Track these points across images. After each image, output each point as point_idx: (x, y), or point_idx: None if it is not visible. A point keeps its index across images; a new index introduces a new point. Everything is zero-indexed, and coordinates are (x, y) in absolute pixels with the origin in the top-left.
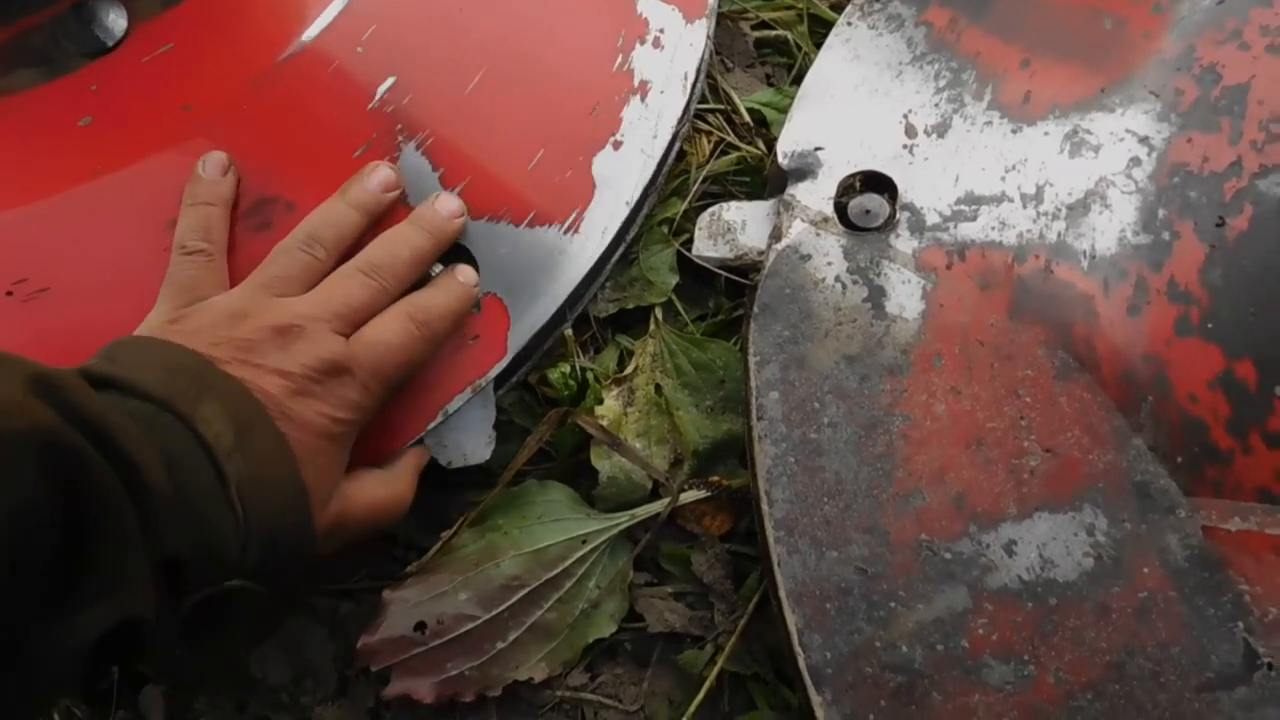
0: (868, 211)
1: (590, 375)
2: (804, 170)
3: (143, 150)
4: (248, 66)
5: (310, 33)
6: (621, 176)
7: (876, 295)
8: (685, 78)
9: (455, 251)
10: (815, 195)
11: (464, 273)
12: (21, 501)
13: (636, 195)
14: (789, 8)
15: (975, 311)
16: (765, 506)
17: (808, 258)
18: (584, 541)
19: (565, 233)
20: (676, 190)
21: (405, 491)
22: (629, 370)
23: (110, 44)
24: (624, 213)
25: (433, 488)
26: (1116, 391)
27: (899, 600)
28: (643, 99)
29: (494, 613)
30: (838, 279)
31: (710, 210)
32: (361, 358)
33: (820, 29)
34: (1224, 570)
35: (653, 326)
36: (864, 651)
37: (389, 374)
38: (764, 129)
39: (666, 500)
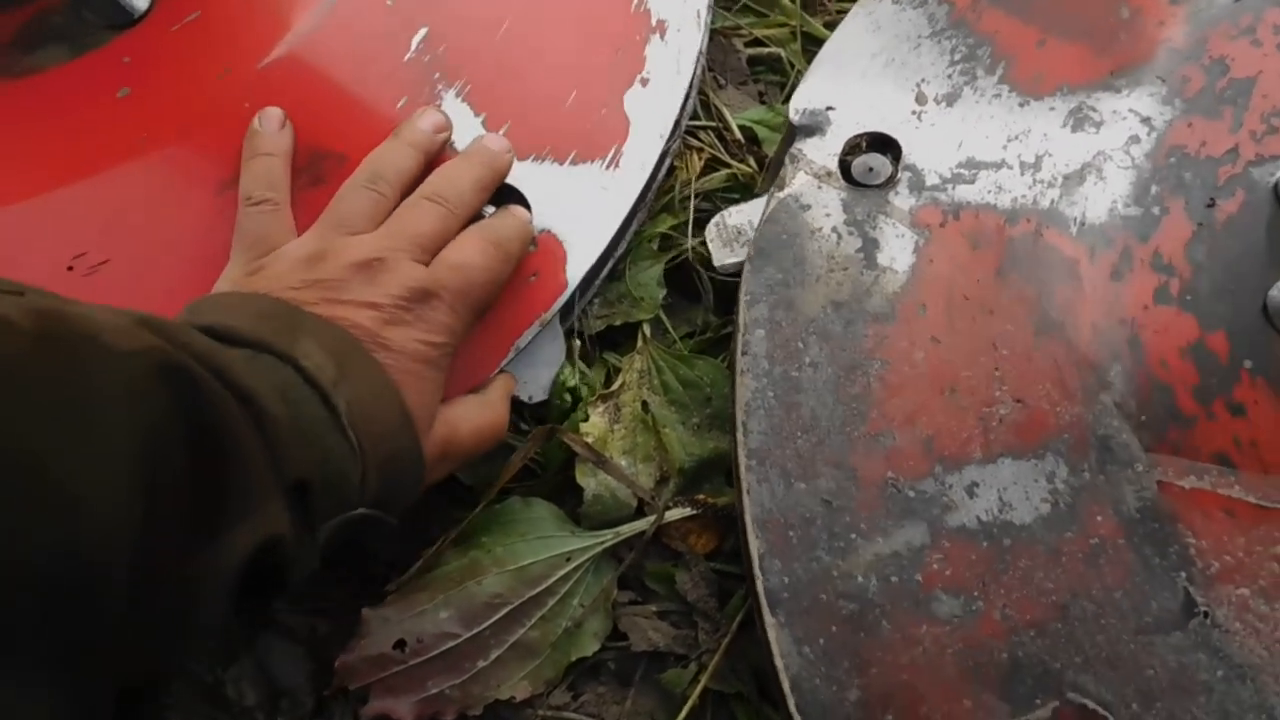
0: (870, 169)
1: (581, 390)
2: (813, 127)
3: (188, 117)
4: (279, 28)
5: None
6: (653, 112)
7: (870, 247)
8: (699, 15)
9: (505, 194)
10: (821, 151)
11: (519, 209)
12: (151, 422)
13: (669, 129)
14: (782, 25)
15: (964, 268)
16: (740, 436)
17: (807, 207)
18: (568, 559)
19: (607, 168)
20: (666, 207)
21: (503, 415)
22: (615, 387)
23: (136, 15)
24: (659, 146)
25: (414, 506)
26: (1091, 351)
27: (860, 533)
28: (662, 37)
29: (475, 631)
30: (834, 229)
31: (714, 221)
32: (445, 280)
33: (813, 46)
34: (1173, 524)
35: (640, 343)
36: (821, 579)
37: (474, 294)
38: (755, 146)
39: (651, 518)
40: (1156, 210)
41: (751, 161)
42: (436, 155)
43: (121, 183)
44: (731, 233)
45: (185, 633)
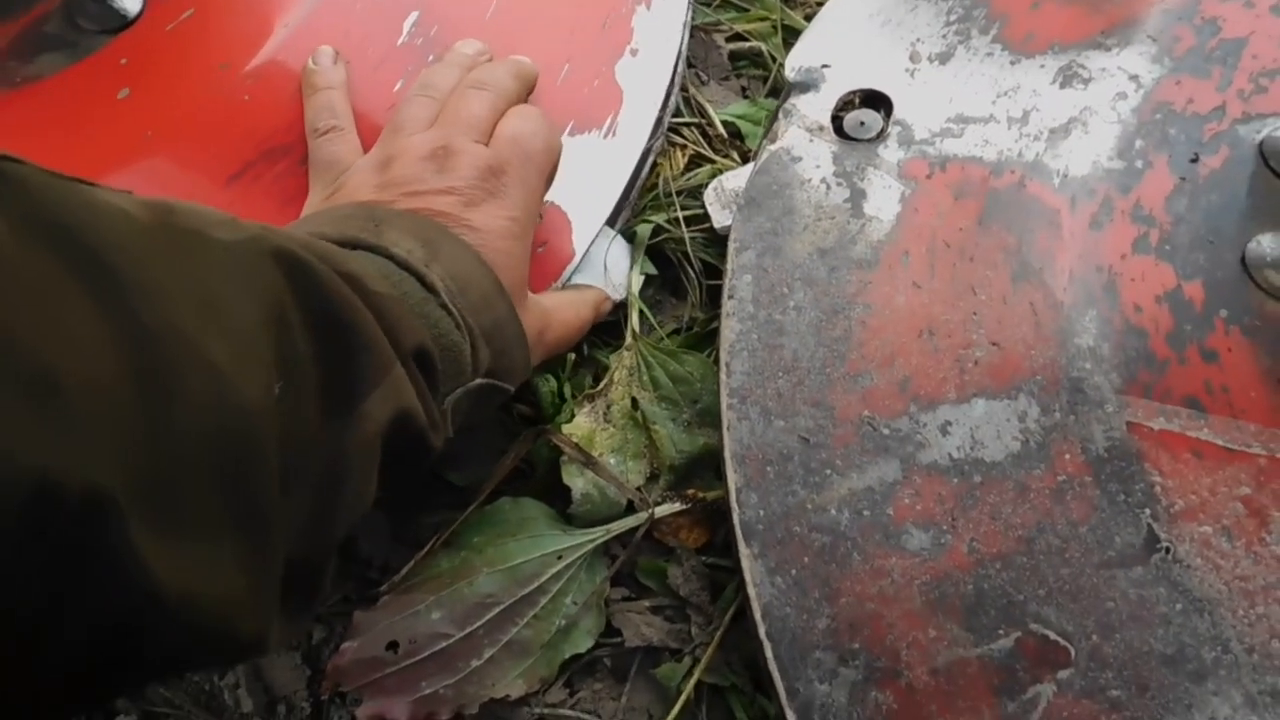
0: (862, 124)
1: (568, 390)
2: (808, 84)
3: (191, 112)
4: (274, 18)
5: None
6: (644, 80)
7: (857, 197)
8: None
9: None
10: (815, 106)
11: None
12: (271, 300)
13: (661, 96)
14: (763, 19)
15: (947, 217)
16: (724, 376)
17: (798, 159)
18: (559, 558)
19: (604, 137)
20: (650, 204)
21: (589, 318)
22: (603, 385)
23: (130, 18)
24: (654, 113)
25: (402, 505)
26: (1067, 296)
27: (835, 469)
28: (648, 7)
29: (468, 630)
30: (823, 180)
31: (712, 184)
32: (508, 154)
33: (794, 39)
34: (1140, 462)
35: (629, 339)
36: (795, 512)
37: (538, 161)
38: (739, 141)
39: (642, 515)
40: (1140, 164)
41: (735, 156)
42: None
43: (130, 182)
44: (729, 195)
45: (338, 508)
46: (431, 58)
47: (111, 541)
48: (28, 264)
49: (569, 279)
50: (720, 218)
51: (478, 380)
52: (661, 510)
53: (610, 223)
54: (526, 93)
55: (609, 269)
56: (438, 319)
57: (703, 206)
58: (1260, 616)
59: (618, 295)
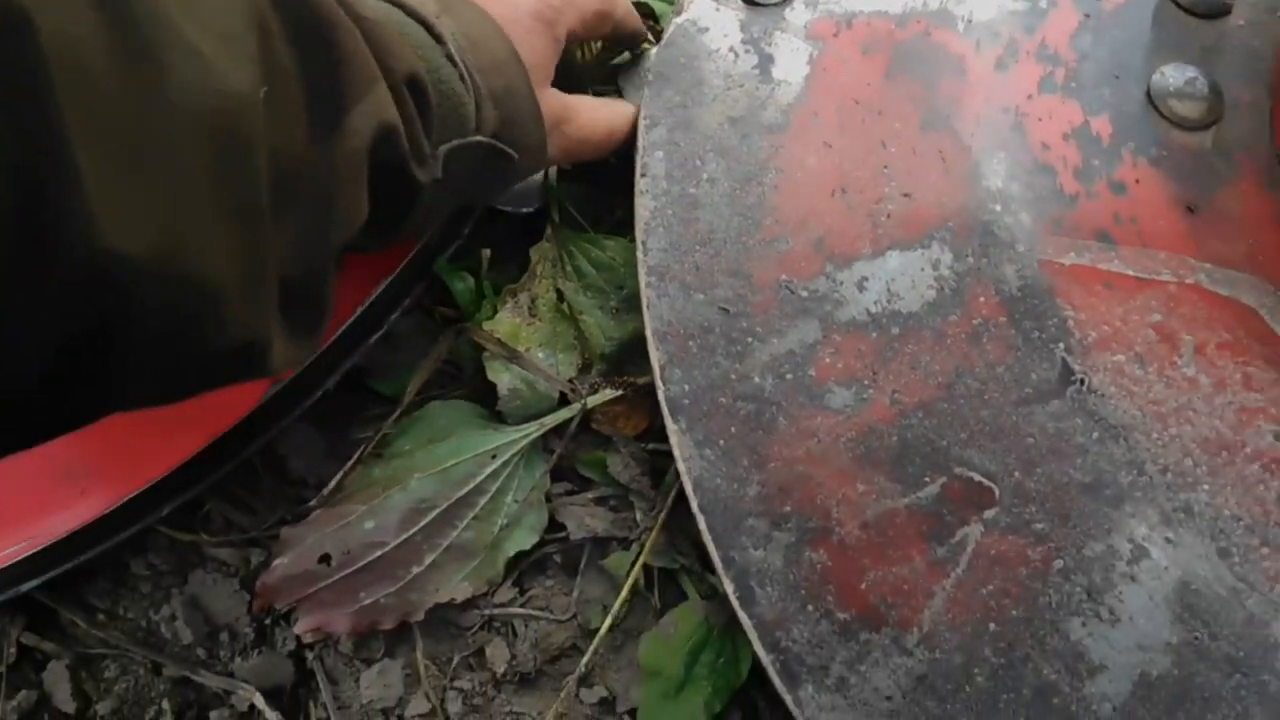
0: None
1: (487, 287)
2: None
3: None
4: None
5: None
6: None
7: (765, 62)
8: None
9: None
10: None
11: None
12: (253, 7)
13: None
14: None
15: (855, 73)
16: (641, 255)
17: (705, 30)
18: (494, 456)
19: None
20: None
21: (624, 122)
22: (525, 278)
23: None
24: None
25: (334, 419)
26: (975, 140)
27: (756, 336)
28: None
29: (405, 537)
30: (731, 49)
31: (639, 54)
32: None
33: None
34: (1053, 298)
35: (549, 231)
36: (720, 383)
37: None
38: (654, 22)
39: (576, 406)
40: (1044, 3)
41: (650, 38)
42: None
43: None
44: (641, 73)
45: (330, 224)
46: None
47: (65, 200)
48: None
49: None
50: (632, 96)
51: (479, 138)
52: (595, 399)
53: None
54: None
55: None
56: (438, 65)
57: (620, 91)
58: (1173, 437)
59: (537, 202)
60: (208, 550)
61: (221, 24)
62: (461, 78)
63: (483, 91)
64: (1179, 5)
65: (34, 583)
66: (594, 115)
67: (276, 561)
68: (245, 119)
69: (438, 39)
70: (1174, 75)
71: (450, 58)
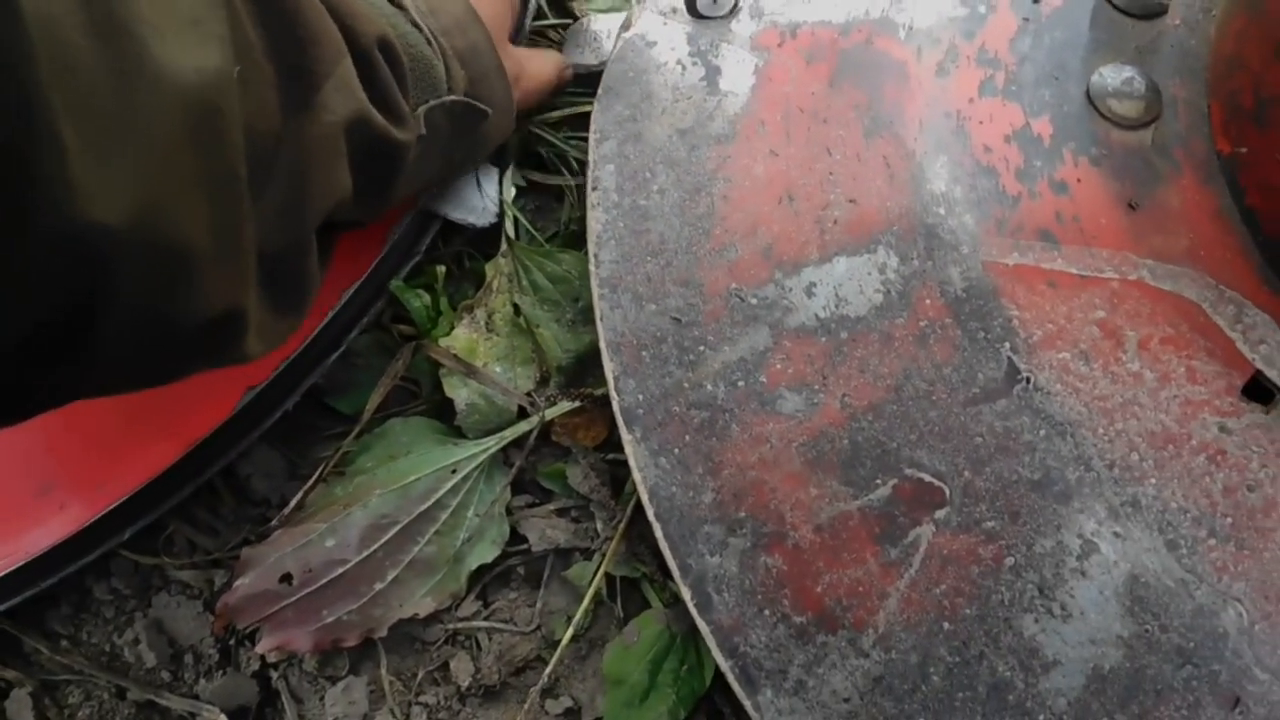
0: (715, 2)
1: (443, 303)
2: None
3: None
4: None
5: None
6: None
7: (712, 74)
8: None
9: None
10: None
11: None
12: None
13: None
14: None
15: (799, 82)
16: (593, 267)
17: (653, 44)
18: (453, 471)
19: None
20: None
21: (555, 71)
22: (482, 293)
23: None
24: None
25: (295, 438)
26: (917, 145)
27: (707, 344)
28: None
29: (366, 554)
30: (679, 61)
31: (578, 22)
32: None
33: None
34: (997, 298)
35: (504, 246)
36: (673, 392)
37: None
38: None
39: (534, 419)
40: (983, 9)
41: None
42: None
43: None
44: (589, 37)
45: (307, 199)
46: None
47: (47, 172)
48: None
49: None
50: (571, 54)
51: (453, 96)
52: (553, 411)
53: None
54: None
55: (482, 191)
56: (404, 30)
57: (572, 105)
58: (1119, 432)
59: (488, 218)
60: (170, 573)
61: (187, 7)
62: (428, 40)
63: (449, 52)
64: (1115, 6)
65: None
66: (541, 66)
67: (238, 582)
68: (222, 95)
69: (399, 5)
70: (1112, 75)
71: (414, 23)
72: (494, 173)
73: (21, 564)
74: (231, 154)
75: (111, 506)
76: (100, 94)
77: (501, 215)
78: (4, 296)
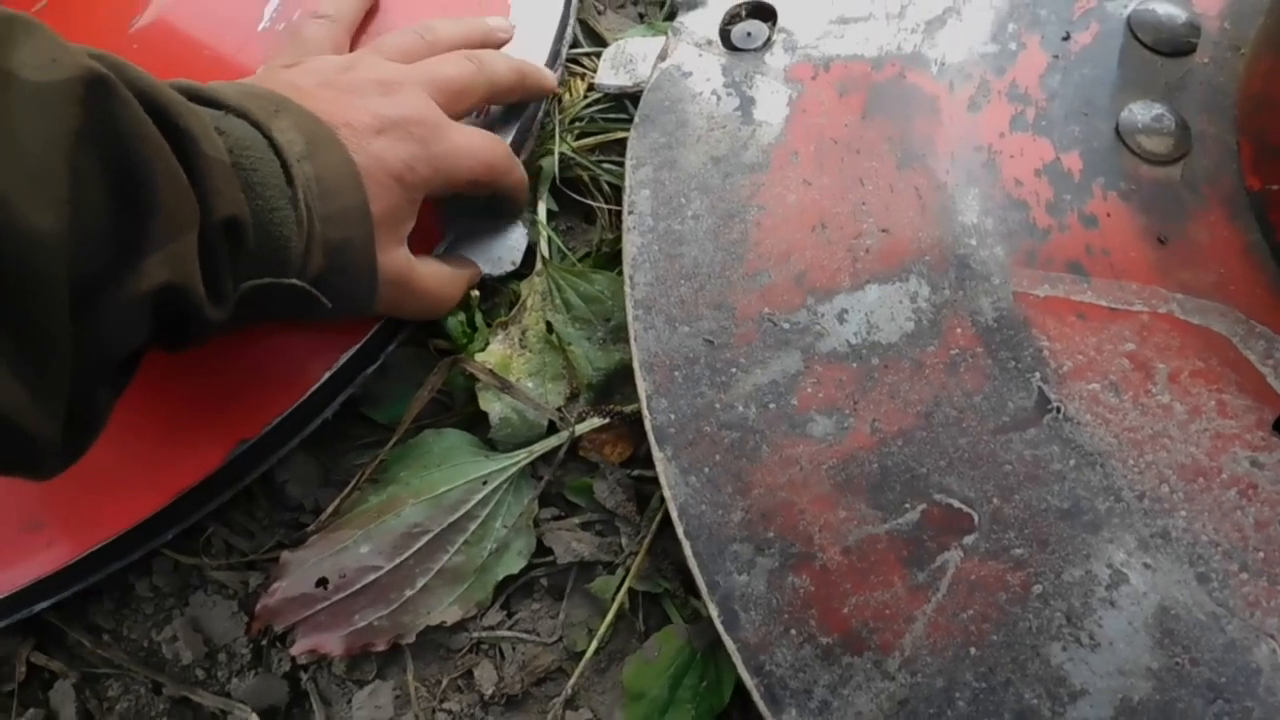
0: (749, 34)
1: (478, 319)
2: (695, 2)
3: None
4: (132, 8)
5: None
6: (539, 13)
7: (747, 104)
8: None
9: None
10: (703, 23)
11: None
12: (69, 144)
13: (556, 27)
14: None
15: (832, 114)
16: (628, 289)
17: (689, 74)
18: (484, 483)
19: None
20: (552, 134)
21: (457, 293)
22: (516, 311)
23: None
24: (549, 45)
25: (330, 446)
26: (949, 178)
27: (739, 366)
28: None
29: (398, 561)
30: (714, 92)
31: (616, 44)
32: (451, 136)
33: None
34: (1028, 329)
35: (539, 265)
36: (704, 412)
37: (467, 165)
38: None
39: (564, 434)
40: (1013, 46)
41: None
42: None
43: None
44: (624, 59)
45: (108, 348)
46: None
47: None
48: None
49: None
50: (605, 75)
51: (291, 280)
52: (582, 427)
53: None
54: (519, 96)
55: (505, 242)
56: (277, 205)
57: (605, 132)
58: (1149, 464)
59: (503, 268)
60: (208, 573)
61: (34, 164)
62: (299, 222)
63: (317, 239)
64: (1144, 44)
65: (45, 603)
66: (434, 282)
67: (275, 584)
68: (45, 253)
69: (290, 180)
70: (1142, 112)
71: (294, 201)
72: (519, 225)
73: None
74: (53, 312)
75: (162, 507)
76: None
77: (532, 241)
78: None
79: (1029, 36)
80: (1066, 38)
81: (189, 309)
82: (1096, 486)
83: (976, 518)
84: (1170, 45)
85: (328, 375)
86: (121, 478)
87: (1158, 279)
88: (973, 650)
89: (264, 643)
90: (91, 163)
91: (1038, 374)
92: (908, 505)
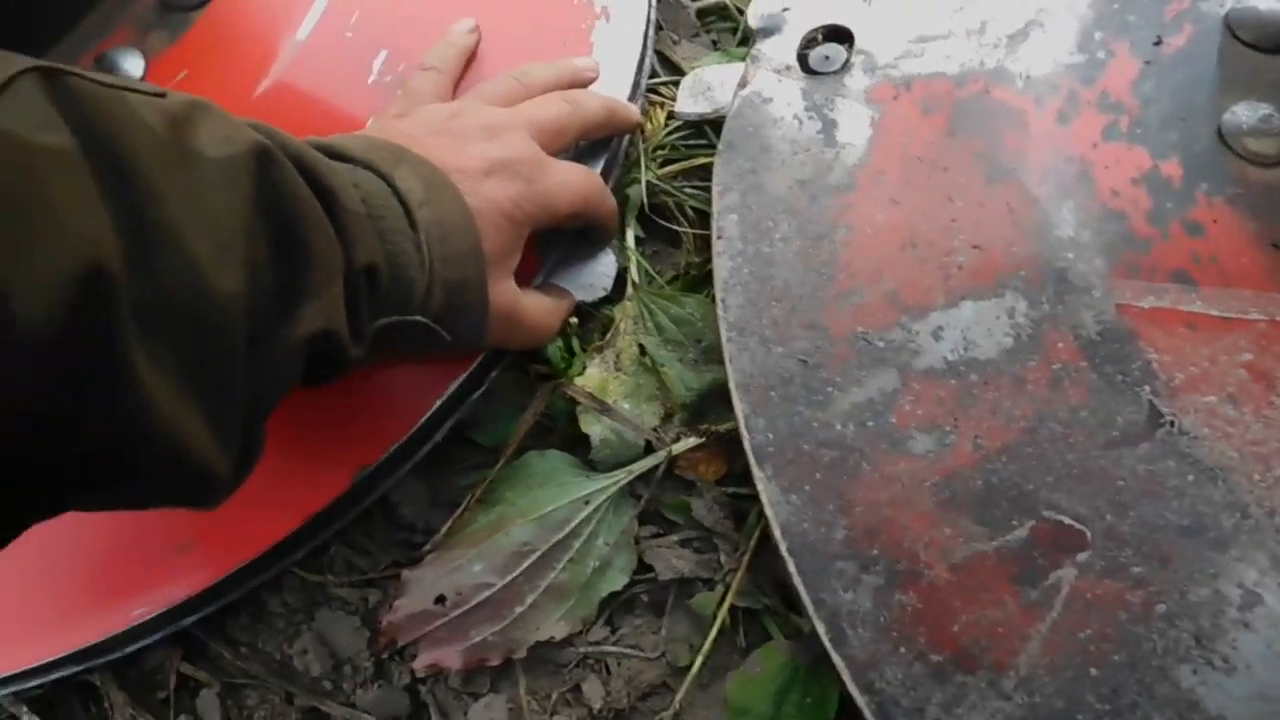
0: (827, 58)
1: (575, 345)
2: (771, 29)
3: None
4: (256, 74)
5: (302, 32)
6: (618, 47)
7: (829, 127)
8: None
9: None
10: (780, 48)
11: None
12: (247, 211)
13: (636, 59)
14: None
15: (916, 132)
16: (721, 312)
17: (769, 100)
18: (586, 502)
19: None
20: (636, 162)
21: (557, 323)
22: (610, 335)
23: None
24: (630, 76)
25: (438, 469)
26: (1041, 191)
27: (835, 385)
28: (607, 20)
29: (509, 579)
30: (795, 116)
31: (694, 72)
32: (552, 172)
33: None
34: (1134, 341)
35: (630, 290)
36: (802, 431)
37: (567, 198)
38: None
39: (661, 453)
40: (1102, 54)
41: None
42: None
43: None
44: (702, 87)
45: (275, 390)
46: (401, 92)
47: (116, 356)
48: (69, 160)
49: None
50: (684, 104)
51: (417, 318)
52: (679, 447)
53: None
54: (608, 131)
55: (597, 269)
56: (404, 249)
57: (688, 159)
58: (1277, 479)
59: (596, 294)
60: (332, 590)
61: (220, 233)
62: (421, 263)
63: (438, 279)
64: (1244, 42)
65: (193, 618)
66: (537, 313)
67: (398, 601)
68: (231, 314)
69: (413, 226)
70: (1247, 113)
71: (418, 244)
72: (608, 252)
73: (213, 583)
74: (236, 366)
75: (295, 529)
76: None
77: (622, 268)
78: (58, 459)
79: (1117, 44)
80: (1158, 42)
81: (335, 350)
82: (1220, 503)
83: (1089, 534)
84: (1274, 42)
85: (439, 403)
86: (259, 503)
87: (1274, 285)
88: (1093, 670)
89: (384, 656)
90: (261, 226)
91: (1147, 387)
92: (1015, 522)
